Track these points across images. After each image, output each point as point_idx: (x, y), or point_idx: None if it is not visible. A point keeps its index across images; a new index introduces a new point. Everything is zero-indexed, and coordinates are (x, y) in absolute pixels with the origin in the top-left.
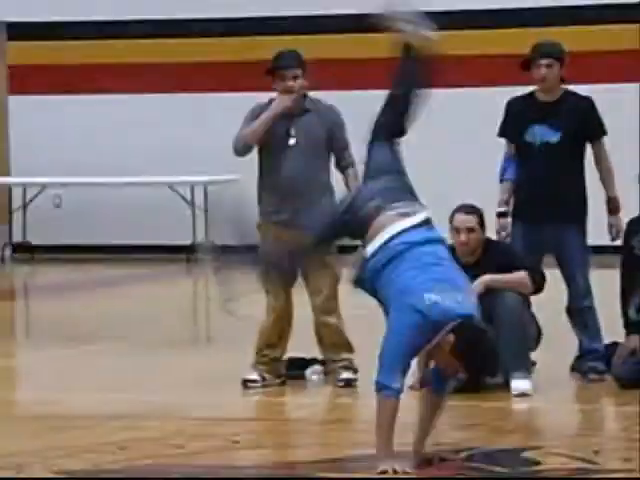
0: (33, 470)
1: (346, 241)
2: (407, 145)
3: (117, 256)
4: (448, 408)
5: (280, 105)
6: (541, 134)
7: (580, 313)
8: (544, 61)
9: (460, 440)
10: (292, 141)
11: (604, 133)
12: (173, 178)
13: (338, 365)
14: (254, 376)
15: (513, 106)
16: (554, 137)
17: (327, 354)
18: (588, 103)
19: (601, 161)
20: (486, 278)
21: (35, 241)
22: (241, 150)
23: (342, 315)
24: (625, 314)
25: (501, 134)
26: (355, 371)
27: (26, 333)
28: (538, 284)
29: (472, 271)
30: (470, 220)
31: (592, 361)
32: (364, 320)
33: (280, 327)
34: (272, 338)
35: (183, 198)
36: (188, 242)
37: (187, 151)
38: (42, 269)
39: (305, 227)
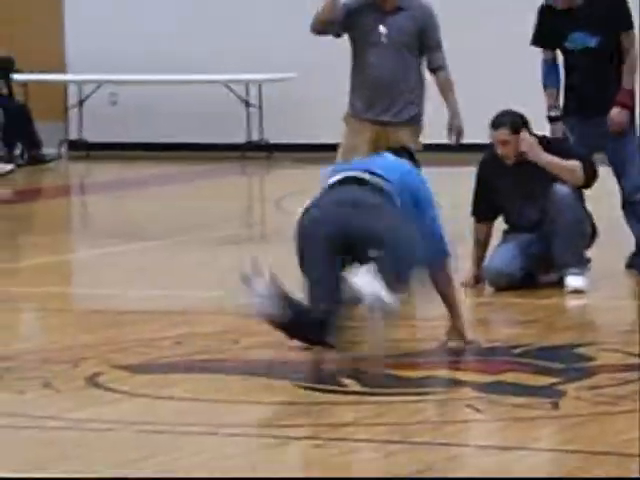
0: (88, 364)
1: None
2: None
3: (172, 154)
4: (502, 304)
5: None
6: (581, 40)
7: (634, 207)
8: None
9: (514, 336)
10: (383, 38)
11: (631, 26)
12: (229, 76)
13: None
14: None
15: (546, 15)
16: (592, 42)
17: None
18: None
19: (628, 51)
20: (541, 155)
21: (91, 138)
22: (314, 26)
23: None
24: None
25: (535, 42)
26: None
27: (82, 229)
28: (589, 176)
29: (528, 169)
30: (501, 133)
31: None
32: None
33: None
34: None
35: (238, 96)
36: (242, 140)
37: (243, 49)
38: (98, 166)
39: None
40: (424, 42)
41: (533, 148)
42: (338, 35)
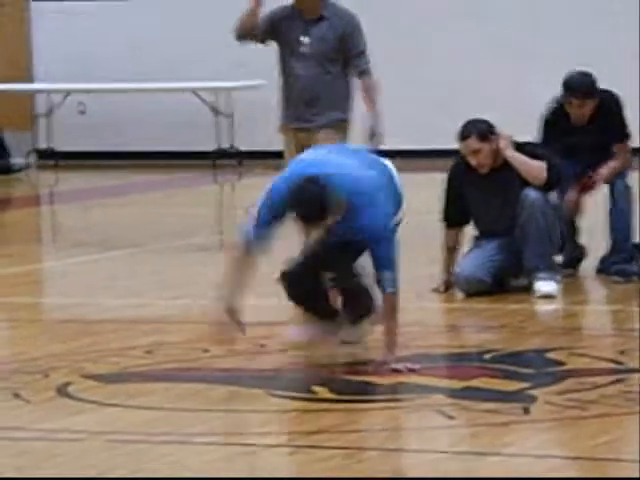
0: (59, 374)
1: None
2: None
3: (142, 162)
4: (473, 310)
5: None
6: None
7: (612, 212)
8: None
9: (484, 342)
10: (305, 48)
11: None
12: (198, 84)
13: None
14: None
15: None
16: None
17: None
18: None
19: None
20: (508, 150)
21: (60, 147)
22: (236, 32)
23: None
24: None
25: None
26: None
27: (51, 239)
28: (552, 178)
29: (500, 176)
30: (470, 143)
31: (619, 263)
32: None
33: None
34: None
35: (207, 104)
36: (212, 148)
37: (212, 57)
38: (67, 176)
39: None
40: (346, 50)
41: (506, 152)
42: (262, 42)
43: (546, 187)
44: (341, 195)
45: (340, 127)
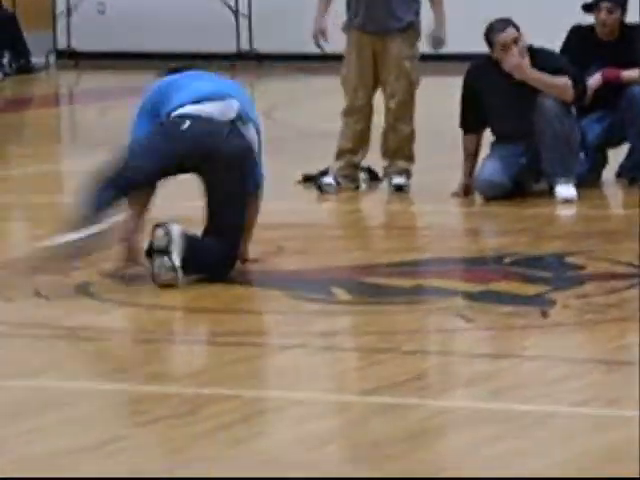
0: (79, 274)
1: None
2: None
3: (161, 63)
4: (492, 214)
5: None
6: None
7: (628, 116)
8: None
9: (504, 245)
10: None
11: None
12: None
13: (393, 170)
14: (329, 180)
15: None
16: None
17: (387, 160)
18: None
19: None
20: (533, 73)
21: (79, 48)
22: None
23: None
24: None
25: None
26: (409, 177)
27: (71, 139)
28: (579, 92)
29: (517, 81)
30: (511, 33)
31: (638, 167)
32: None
33: (361, 128)
34: (352, 142)
35: (227, 5)
36: (233, 50)
37: None
38: (86, 76)
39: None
40: None
41: (519, 68)
42: None
43: (574, 102)
44: None
45: (413, 30)
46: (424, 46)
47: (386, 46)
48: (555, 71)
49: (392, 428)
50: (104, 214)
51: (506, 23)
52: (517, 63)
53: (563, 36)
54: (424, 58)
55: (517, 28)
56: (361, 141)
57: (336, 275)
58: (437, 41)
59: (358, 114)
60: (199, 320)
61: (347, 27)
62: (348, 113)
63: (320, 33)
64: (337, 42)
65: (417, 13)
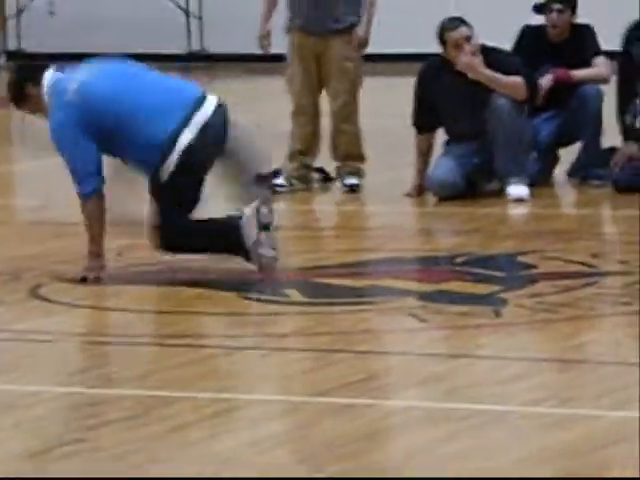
0: (31, 276)
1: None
2: None
3: None
4: (445, 214)
5: None
6: None
7: (580, 115)
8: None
9: (456, 245)
10: None
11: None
12: None
13: (345, 170)
14: (281, 181)
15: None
16: None
17: (338, 161)
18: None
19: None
20: (485, 72)
21: (30, 49)
22: None
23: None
24: (622, 121)
25: None
26: (361, 177)
27: (22, 141)
28: (532, 92)
29: (469, 81)
30: (463, 31)
31: (590, 166)
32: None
33: (310, 130)
34: (303, 143)
35: (178, 6)
36: (183, 51)
37: None
38: None
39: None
40: None
41: (472, 67)
42: None
43: (526, 101)
44: None
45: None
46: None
47: (327, 47)
48: (507, 70)
49: (346, 429)
50: None
51: (458, 22)
52: (469, 62)
53: (513, 36)
54: (369, 58)
55: (469, 27)
56: (312, 142)
57: (289, 276)
58: (360, 41)
59: (305, 116)
60: (151, 321)
61: (288, 28)
62: (296, 114)
63: (264, 37)
64: (286, 43)
65: (358, 14)
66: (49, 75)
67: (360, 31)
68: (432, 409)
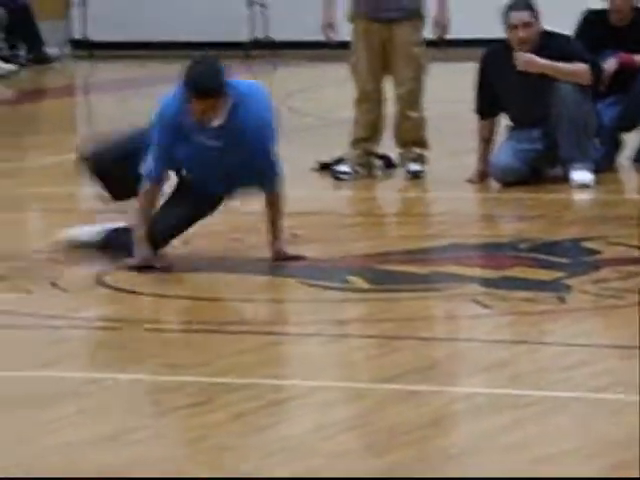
0: (96, 264)
1: None
2: None
3: (176, 52)
4: (508, 200)
5: None
6: None
7: None
8: None
9: (520, 231)
10: None
11: None
12: None
13: (408, 156)
14: (345, 168)
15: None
16: None
17: (401, 147)
18: None
19: None
20: (547, 64)
21: (94, 37)
22: None
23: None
24: None
25: None
26: (424, 163)
27: (87, 129)
28: (596, 76)
29: None
30: (523, 16)
31: None
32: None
33: (374, 117)
34: (367, 130)
35: None
36: (246, 39)
37: None
38: (100, 66)
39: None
40: None
41: (532, 64)
42: None
43: (591, 86)
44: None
45: (418, 16)
46: (429, 32)
47: (393, 33)
48: (570, 56)
49: (410, 415)
50: None
51: (523, 4)
52: (528, 60)
53: (574, 20)
54: (431, 44)
55: (534, 11)
56: (375, 129)
57: (352, 263)
58: (440, 27)
59: (369, 102)
60: (214, 309)
61: (352, 16)
62: (360, 101)
63: (328, 26)
64: (350, 30)
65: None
66: None
67: (439, 17)
68: (496, 396)
